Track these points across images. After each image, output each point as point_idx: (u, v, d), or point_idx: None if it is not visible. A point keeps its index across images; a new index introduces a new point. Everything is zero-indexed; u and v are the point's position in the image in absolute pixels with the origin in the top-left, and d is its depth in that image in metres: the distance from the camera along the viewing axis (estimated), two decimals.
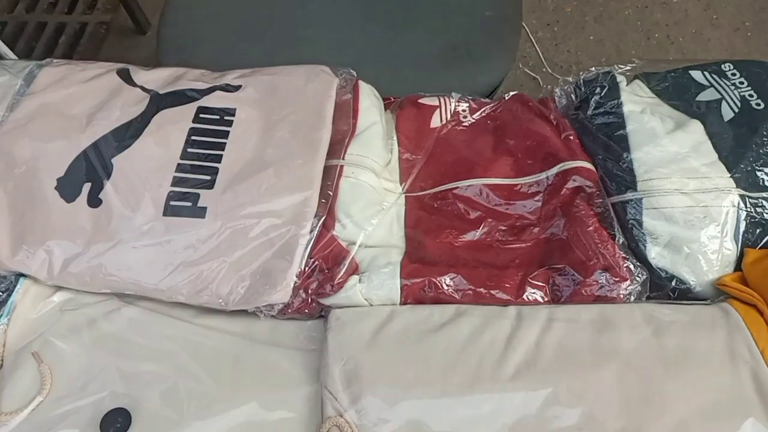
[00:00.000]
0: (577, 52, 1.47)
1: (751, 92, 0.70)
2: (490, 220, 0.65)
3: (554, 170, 0.66)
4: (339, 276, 0.59)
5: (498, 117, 0.73)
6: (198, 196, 0.62)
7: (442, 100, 0.75)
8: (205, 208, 0.61)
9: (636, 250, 0.63)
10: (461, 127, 0.73)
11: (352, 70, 0.72)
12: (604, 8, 1.54)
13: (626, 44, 1.48)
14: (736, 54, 1.47)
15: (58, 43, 1.58)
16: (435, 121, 0.73)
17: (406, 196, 0.69)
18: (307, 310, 0.60)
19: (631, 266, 0.61)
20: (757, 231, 0.63)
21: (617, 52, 1.47)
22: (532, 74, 1.42)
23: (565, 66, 1.45)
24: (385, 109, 0.77)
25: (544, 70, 1.44)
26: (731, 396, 0.52)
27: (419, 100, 0.75)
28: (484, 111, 0.74)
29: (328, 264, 0.60)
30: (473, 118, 0.73)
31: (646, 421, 0.51)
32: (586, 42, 1.48)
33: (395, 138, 0.72)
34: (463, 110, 0.74)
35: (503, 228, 0.65)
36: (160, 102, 0.69)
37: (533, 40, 1.45)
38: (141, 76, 0.73)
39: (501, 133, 0.71)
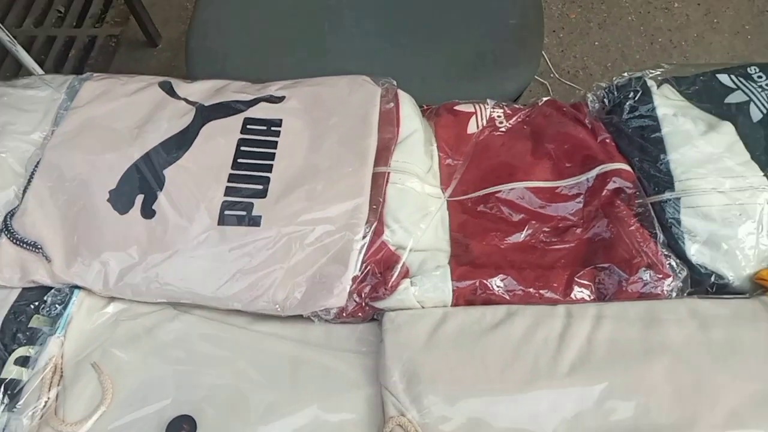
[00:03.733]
0: (583, 58, 1.50)
1: None
2: (533, 222, 0.67)
3: (594, 172, 0.68)
4: (392, 280, 0.61)
5: (533, 122, 0.75)
6: (252, 205, 0.63)
7: (477, 107, 0.77)
8: (259, 217, 0.63)
9: (675, 248, 0.65)
10: (498, 133, 0.75)
11: (393, 80, 0.73)
12: (608, 14, 1.57)
13: (630, 49, 1.51)
14: (737, 57, 1.51)
15: (68, 57, 1.59)
16: (472, 127, 0.75)
17: (448, 201, 0.70)
18: (360, 314, 0.61)
19: (673, 263, 0.63)
20: None
21: (622, 57, 1.50)
22: (541, 80, 1.45)
23: (572, 71, 1.48)
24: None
25: (551, 75, 1.46)
26: None
27: (455, 107, 0.77)
28: (519, 116, 0.76)
29: (380, 268, 0.62)
30: (509, 124, 0.75)
31: (699, 411, 0.53)
32: (591, 47, 1.51)
33: (435, 144, 0.74)
34: (499, 116, 0.76)
35: (547, 230, 0.67)
36: (206, 114, 0.70)
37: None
38: (183, 88, 0.74)
39: (538, 137, 0.73)
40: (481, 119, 0.76)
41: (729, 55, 1.51)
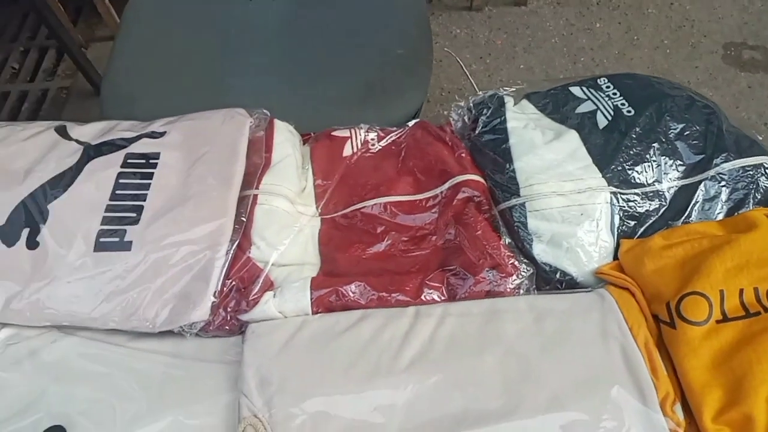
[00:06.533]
0: (509, 81, 1.56)
1: (623, 101, 0.79)
2: (393, 232, 0.72)
3: (447, 185, 0.73)
4: (253, 293, 0.65)
5: (402, 142, 0.81)
6: (125, 231, 0.69)
7: (352, 131, 0.83)
8: (131, 242, 0.68)
9: (523, 249, 0.70)
10: (369, 154, 0.80)
11: (265, 111, 0.80)
12: (533, 38, 1.65)
13: (554, 69, 1.59)
14: (657, 70, 1.58)
15: (22, 110, 1.67)
16: (347, 150, 0.81)
17: (321, 218, 0.76)
18: (227, 327, 0.66)
19: (516, 262, 0.67)
20: (632, 223, 0.71)
21: (547, 78, 1.57)
22: None
23: None
24: (304, 144, 0.85)
25: None
26: (601, 369, 0.59)
27: (332, 133, 0.83)
28: (390, 138, 0.82)
29: (245, 284, 0.67)
30: (380, 145, 0.81)
31: (525, 396, 0.57)
32: (517, 70, 1.59)
33: (310, 167, 0.79)
34: (372, 139, 0.82)
35: (405, 239, 0.72)
36: (92, 152, 0.76)
37: (467, 73, 1.54)
38: (76, 130, 0.80)
39: (404, 156, 0.79)
40: (356, 142, 0.82)
41: (649, 69, 1.58)
